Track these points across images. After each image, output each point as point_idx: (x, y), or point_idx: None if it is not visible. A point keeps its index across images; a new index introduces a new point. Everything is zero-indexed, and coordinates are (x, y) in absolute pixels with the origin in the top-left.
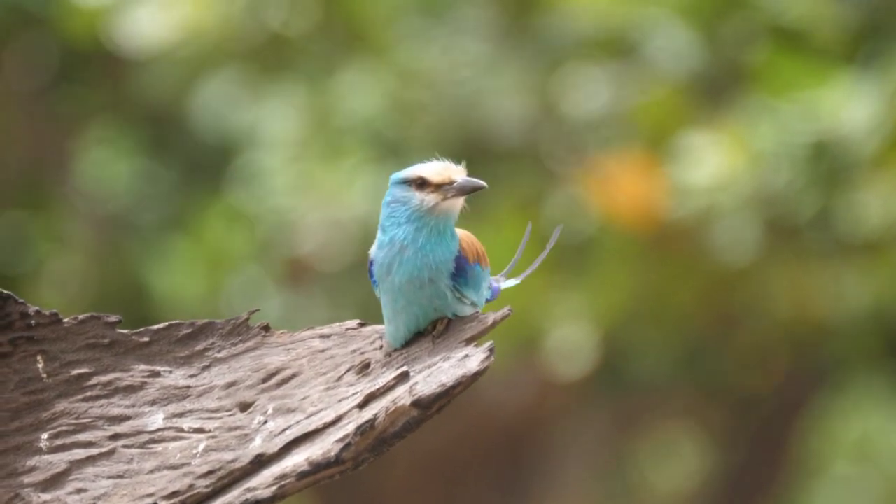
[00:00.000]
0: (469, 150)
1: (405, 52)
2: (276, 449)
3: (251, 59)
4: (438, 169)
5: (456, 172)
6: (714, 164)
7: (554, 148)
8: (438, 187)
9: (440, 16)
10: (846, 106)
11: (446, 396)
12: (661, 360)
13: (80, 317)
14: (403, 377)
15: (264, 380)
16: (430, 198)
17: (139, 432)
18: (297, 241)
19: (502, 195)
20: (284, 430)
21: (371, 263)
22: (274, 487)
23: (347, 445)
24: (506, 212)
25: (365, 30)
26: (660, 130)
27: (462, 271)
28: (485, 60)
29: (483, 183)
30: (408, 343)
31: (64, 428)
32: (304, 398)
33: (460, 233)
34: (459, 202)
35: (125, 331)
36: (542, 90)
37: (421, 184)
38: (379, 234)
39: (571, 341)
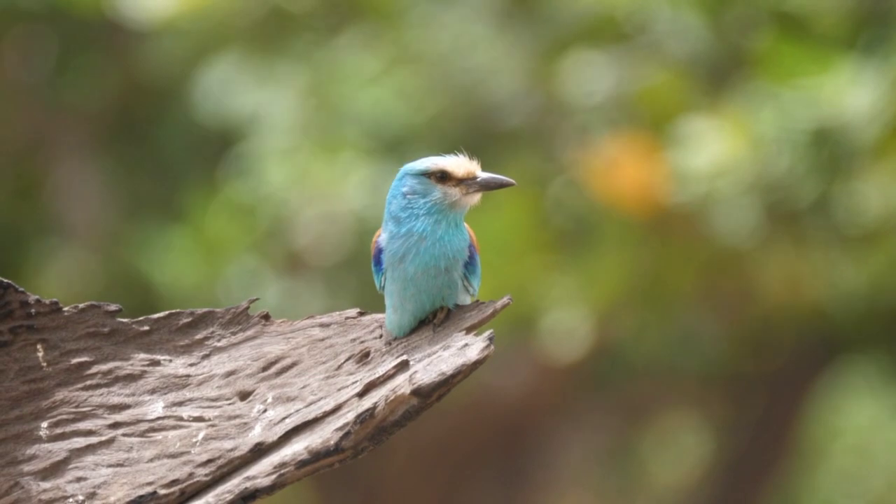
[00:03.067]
0: (471, 133)
1: (407, 33)
2: (275, 437)
3: (254, 37)
4: (460, 163)
5: (475, 167)
6: (715, 150)
7: (556, 131)
8: (460, 182)
9: None
10: (848, 93)
11: (446, 385)
12: (658, 345)
13: (81, 305)
14: (403, 366)
15: (264, 368)
16: (453, 192)
17: (139, 421)
18: (294, 235)
19: None
20: (284, 418)
21: (379, 251)
22: (273, 476)
23: (347, 434)
24: (506, 194)
25: (367, 8)
26: (662, 115)
27: (472, 259)
28: (488, 42)
29: (512, 181)
30: (408, 332)
31: (64, 416)
32: (303, 387)
33: None
34: (479, 197)
35: (125, 319)
36: (544, 73)
37: (441, 177)
38: (390, 226)
39: (568, 324)
